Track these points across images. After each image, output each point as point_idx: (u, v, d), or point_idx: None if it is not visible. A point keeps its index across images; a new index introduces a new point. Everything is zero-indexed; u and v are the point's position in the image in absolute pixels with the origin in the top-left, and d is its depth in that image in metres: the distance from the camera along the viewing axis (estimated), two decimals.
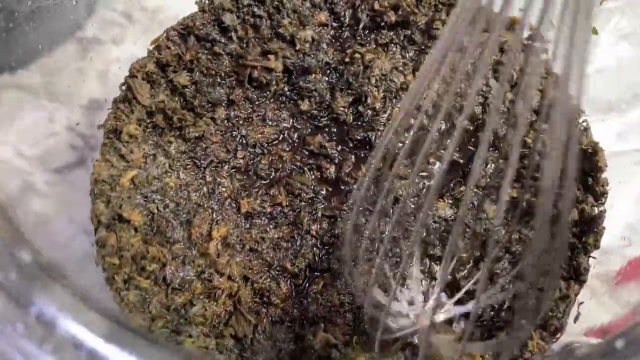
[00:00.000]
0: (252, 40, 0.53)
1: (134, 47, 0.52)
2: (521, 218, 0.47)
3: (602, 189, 0.45)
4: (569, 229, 0.44)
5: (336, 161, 0.49)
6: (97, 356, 0.20)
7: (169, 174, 0.47)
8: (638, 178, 0.49)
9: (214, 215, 0.46)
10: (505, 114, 0.50)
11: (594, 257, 0.44)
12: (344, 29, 0.54)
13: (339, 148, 0.49)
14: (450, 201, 0.47)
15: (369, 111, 0.50)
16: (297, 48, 0.52)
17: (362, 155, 0.49)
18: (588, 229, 0.44)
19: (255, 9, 0.53)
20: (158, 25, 0.53)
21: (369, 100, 0.50)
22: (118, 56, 0.51)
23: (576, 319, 0.43)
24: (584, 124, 0.48)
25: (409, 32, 0.53)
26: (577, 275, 0.43)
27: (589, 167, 0.46)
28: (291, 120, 0.51)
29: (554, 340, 0.42)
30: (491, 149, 0.49)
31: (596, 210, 0.44)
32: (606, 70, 0.54)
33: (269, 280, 0.44)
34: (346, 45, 0.53)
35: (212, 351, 0.41)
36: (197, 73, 0.51)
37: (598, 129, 0.51)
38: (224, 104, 0.51)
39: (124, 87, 0.50)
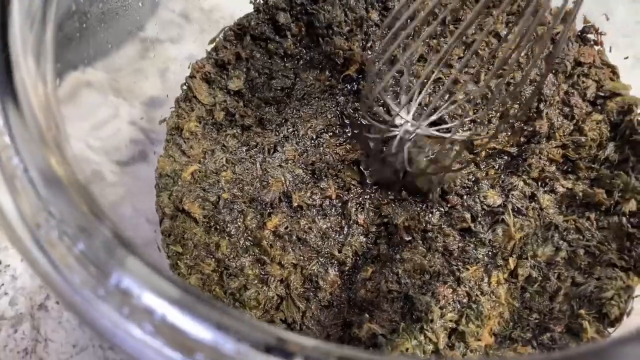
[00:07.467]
0: (305, 38, 0.54)
1: (192, 45, 0.54)
2: (577, 208, 0.45)
3: None
4: (627, 220, 0.43)
5: None
6: (168, 321, 0.21)
7: (225, 168, 0.49)
8: None
9: (267, 208, 0.47)
10: (559, 104, 0.49)
11: None
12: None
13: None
14: (499, 191, 0.46)
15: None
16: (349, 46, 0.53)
17: None
18: None
19: (309, 7, 0.54)
20: (214, 24, 0.55)
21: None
22: (176, 55, 0.53)
23: (629, 313, 0.41)
24: None
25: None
26: (636, 266, 0.42)
27: None
28: (340, 117, 0.52)
29: (612, 330, 0.40)
30: (544, 139, 0.48)
31: None
32: None
33: (317, 266, 0.45)
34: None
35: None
36: (252, 71, 0.53)
37: None
38: (277, 100, 0.52)
39: (184, 87, 0.53)
